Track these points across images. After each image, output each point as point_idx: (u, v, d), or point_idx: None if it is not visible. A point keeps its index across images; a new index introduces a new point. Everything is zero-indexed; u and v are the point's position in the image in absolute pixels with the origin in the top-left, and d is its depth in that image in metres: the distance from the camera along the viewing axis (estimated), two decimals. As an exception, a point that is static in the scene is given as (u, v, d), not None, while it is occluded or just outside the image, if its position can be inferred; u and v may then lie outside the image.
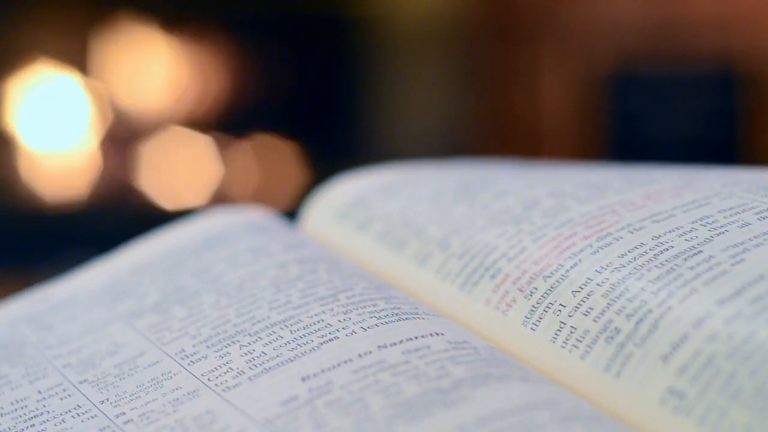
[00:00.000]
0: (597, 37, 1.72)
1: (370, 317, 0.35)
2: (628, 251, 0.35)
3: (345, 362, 0.32)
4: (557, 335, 0.33)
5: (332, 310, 0.35)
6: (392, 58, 1.77)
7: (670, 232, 0.35)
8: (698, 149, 1.66)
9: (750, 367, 0.29)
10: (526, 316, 0.35)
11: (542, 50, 1.76)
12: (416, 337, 0.33)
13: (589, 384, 0.32)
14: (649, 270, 0.33)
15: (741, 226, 0.34)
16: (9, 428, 0.34)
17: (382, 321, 0.34)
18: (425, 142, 1.75)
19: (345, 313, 0.35)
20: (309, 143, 1.78)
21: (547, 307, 0.34)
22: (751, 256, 0.32)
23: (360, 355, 0.32)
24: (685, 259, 0.33)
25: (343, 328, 0.34)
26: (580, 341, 0.33)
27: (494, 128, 1.80)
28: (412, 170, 0.48)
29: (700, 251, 0.33)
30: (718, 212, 0.35)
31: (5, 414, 0.35)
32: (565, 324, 0.33)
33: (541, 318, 0.34)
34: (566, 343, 0.33)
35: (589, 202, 0.39)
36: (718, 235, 0.34)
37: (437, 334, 0.33)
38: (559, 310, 0.34)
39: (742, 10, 1.66)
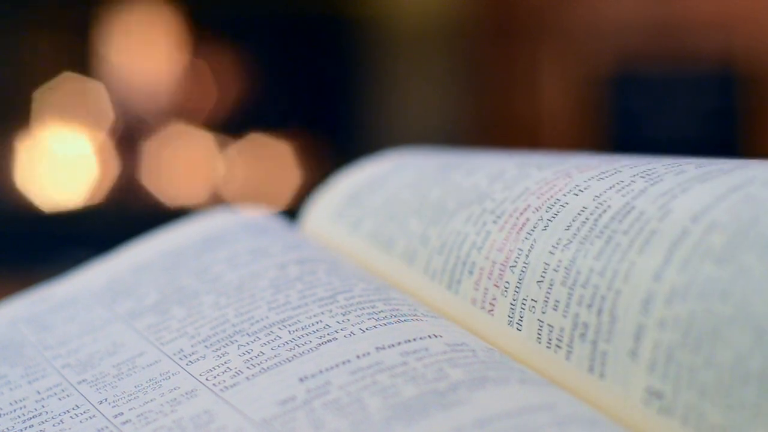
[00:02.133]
0: (597, 37, 1.72)
1: (368, 318, 0.35)
2: (573, 219, 0.34)
3: (343, 363, 0.32)
4: (540, 335, 0.33)
5: (331, 311, 0.35)
6: (392, 58, 1.77)
7: (610, 188, 0.34)
8: (698, 149, 1.65)
9: (704, 356, 0.28)
10: (509, 316, 0.34)
11: (542, 50, 1.76)
12: (414, 339, 0.33)
13: (580, 386, 0.31)
14: (591, 243, 0.33)
15: (676, 174, 0.33)
16: (8, 428, 0.34)
17: (380, 322, 0.34)
18: (425, 141, 1.75)
19: (344, 314, 0.35)
20: (309, 143, 1.78)
21: (523, 304, 0.34)
22: (677, 204, 0.32)
23: (358, 356, 0.32)
24: (620, 221, 0.32)
25: (342, 329, 0.34)
26: (561, 341, 0.32)
27: (494, 128, 1.80)
28: (403, 157, 0.47)
29: (633, 207, 0.33)
30: (662, 166, 0.35)
31: (4, 414, 0.35)
32: (542, 322, 0.33)
33: (521, 317, 0.34)
34: (550, 344, 0.33)
35: (549, 167, 0.38)
36: (652, 185, 0.33)
37: (435, 336, 0.33)
38: (533, 307, 0.33)
39: (742, 11, 1.66)
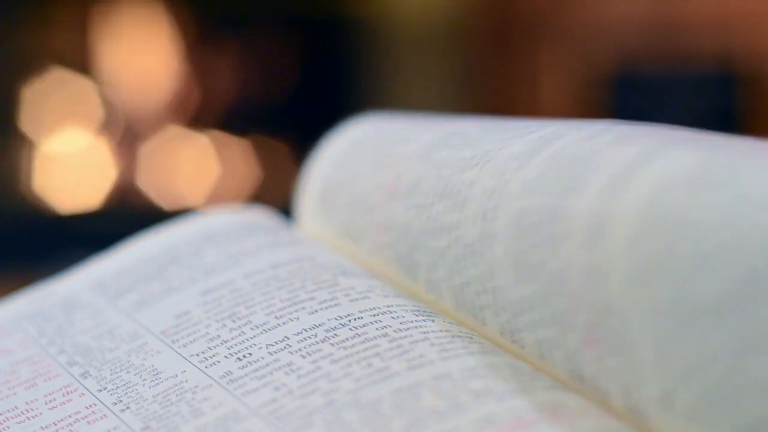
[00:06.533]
0: (597, 37, 1.72)
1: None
2: None
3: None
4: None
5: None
6: (392, 58, 1.77)
7: None
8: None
9: None
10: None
11: (542, 50, 1.76)
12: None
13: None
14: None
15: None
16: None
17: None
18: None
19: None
20: (308, 143, 1.78)
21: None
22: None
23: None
24: None
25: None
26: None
27: (494, 128, 1.80)
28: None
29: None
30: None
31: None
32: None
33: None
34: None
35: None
36: None
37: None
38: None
39: (742, 11, 1.66)
